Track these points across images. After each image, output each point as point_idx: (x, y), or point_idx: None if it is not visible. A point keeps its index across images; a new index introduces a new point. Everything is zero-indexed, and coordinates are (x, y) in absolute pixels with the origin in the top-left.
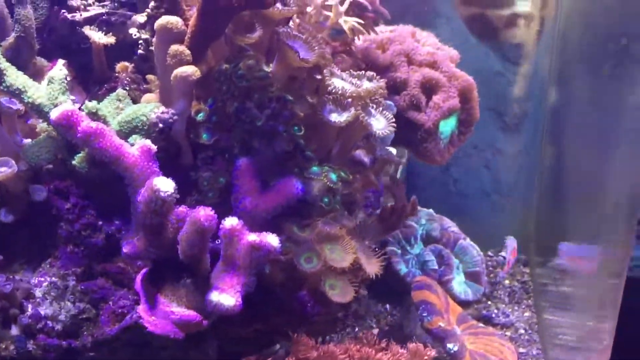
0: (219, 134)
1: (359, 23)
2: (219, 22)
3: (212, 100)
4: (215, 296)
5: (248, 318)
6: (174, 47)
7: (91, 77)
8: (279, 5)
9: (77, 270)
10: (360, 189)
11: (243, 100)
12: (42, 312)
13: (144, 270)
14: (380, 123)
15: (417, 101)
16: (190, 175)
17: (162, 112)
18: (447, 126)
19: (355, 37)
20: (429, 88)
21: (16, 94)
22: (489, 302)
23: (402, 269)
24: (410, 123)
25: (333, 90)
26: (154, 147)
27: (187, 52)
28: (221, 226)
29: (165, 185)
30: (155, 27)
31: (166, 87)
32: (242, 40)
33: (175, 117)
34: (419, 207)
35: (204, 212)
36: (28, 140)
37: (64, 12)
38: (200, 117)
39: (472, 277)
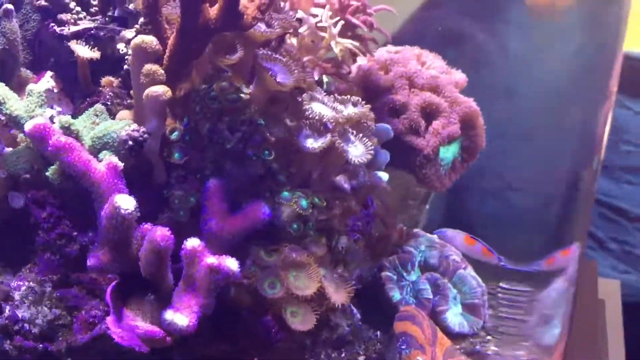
0: (191, 154)
1: (355, 45)
2: (197, 42)
3: (187, 120)
4: (169, 315)
5: (214, 338)
6: (148, 67)
7: (76, 90)
8: (262, 26)
9: (54, 278)
10: (339, 216)
11: (215, 122)
12: (20, 315)
13: (113, 283)
14: (358, 150)
15: (417, 125)
16: (163, 193)
17: (133, 130)
18: (449, 152)
19: (348, 59)
20: (429, 113)
21: None
22: (489, 337)
23: (396, 295)
24: (409, 147)
25: (310, 115)
26: (121, 165)
27: (161, 71)
28: (183, 246)
29: (126, 203)
30: (130, 45)
31: (140, 105)
32: (221, 61)
33: (145, 136)
34: (422, 232)
35: (160, 232)
36: (9, 149)
37: (52, 26)
38: (174, 136)
39: (470, 309)
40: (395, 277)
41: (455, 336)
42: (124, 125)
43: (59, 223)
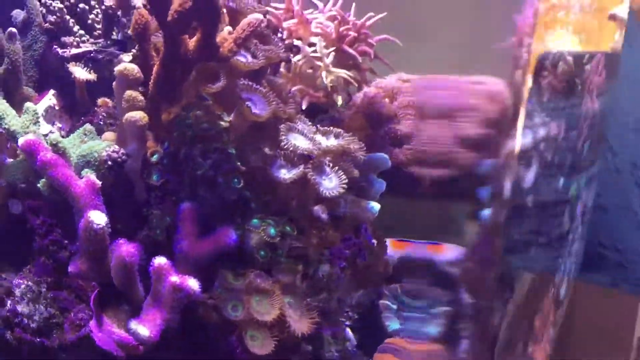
0: (169, 177)
1: (349, 75)
2: (179, 70)
3: (167, 144)
4: (134, 325)
5: (183, 351)
6: (128, 93)
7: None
8: (248, 56)
9: (48, 280)
10: (316, 245)
11: (190, 148)
12: (20, 309)
13: (95, 291)
14: (332, 183)
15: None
16: (143, 211)
17: (113, 151)
18: None
19: (343, 88)
20: None
21: None
22: None
23: (392, 325)
24: (412, 177)
25: (285, 146)
26: (98, 182)
27: (140, 98)
28: (151, 263)
29: (98, 218)
30: (114, 72)
31: (122, 128)
32: (203, 89)
33: (124, 157)
34: None
35: (126, 248)
36: (10, 160)
37: (55, 48)
38: (154, 158)
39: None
40: (395, 306)
41: None
42: (105, 146)
43: (51, 231)
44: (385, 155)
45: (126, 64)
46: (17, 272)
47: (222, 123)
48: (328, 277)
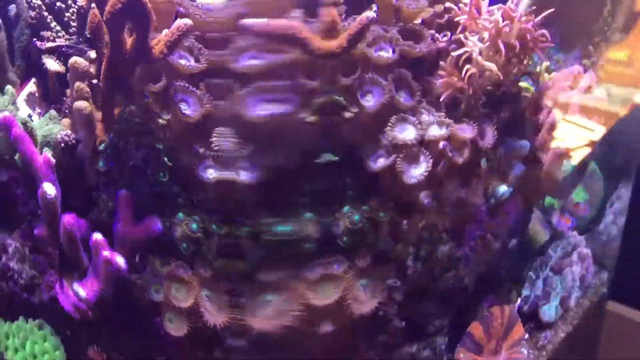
0: (112, 165)
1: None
2: (122, 68)
3: (112, 135)
4: (76, 287)
5: (122, 325)
6: (77, 84)
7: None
8: (190, 60)
9: (29, 244)
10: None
11: (126, 141)
12: (11, 265)
13: (57, 260)
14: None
15: (545, 143)
16: (92, 194)
17: (65, 135)
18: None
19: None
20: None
21: None
22: None
23: (525, 292)
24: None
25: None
26: (53, 160)
27: (87, 89)
28: (90, 237)
29: (50, 189)
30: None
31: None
32: (145, 88)
33: (74, 141)
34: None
35: (67, 218)
36: None
37: (35, 41)
38: (101, 147)
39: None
40: (534, 276)
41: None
42: (60, 129)
43: (27, 202)
44: (526, 142)
45: (76, 57)
46: (8, 232)
47: (159, 120)
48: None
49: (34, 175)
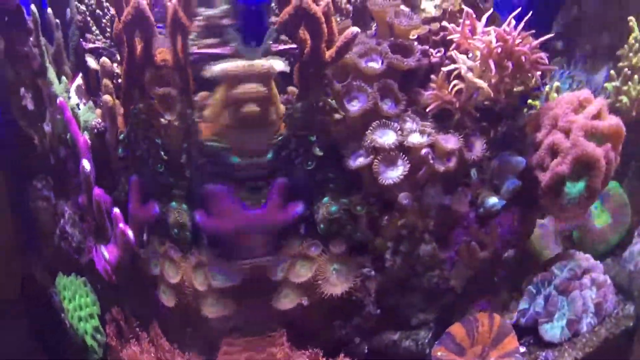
0: (127, 153)
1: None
2: (136, 72)
3: (129, 127)
4: (102, 249)
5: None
6: (105, 81)
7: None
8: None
9: (79, 213)
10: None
11: (135, 133)
12: (67, 229)
13: (93, 227)
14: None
15: (542, 162)
16: (115, 177)
17: (97, 122)
18: (574, 189)
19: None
20: (555, 151)
21: (50, 84)
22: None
23: (522, 305)
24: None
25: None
26: (89, 141)
27: (111, 85)
28: (112, 212)
29: (87, 165)
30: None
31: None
32: (151, 91)
33: (102, 129)
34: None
35: (97, 190)
36: (58, 116)
37: (81, 41)
38: (121, 136)
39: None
40: (535, 290)
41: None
42: (94, 117)
43: (77, 174)
44: (522, 158)
45: (105, 58)
46: (65, 200)
47: (161, 120)
48: (431, 257)
49: (78, 153)
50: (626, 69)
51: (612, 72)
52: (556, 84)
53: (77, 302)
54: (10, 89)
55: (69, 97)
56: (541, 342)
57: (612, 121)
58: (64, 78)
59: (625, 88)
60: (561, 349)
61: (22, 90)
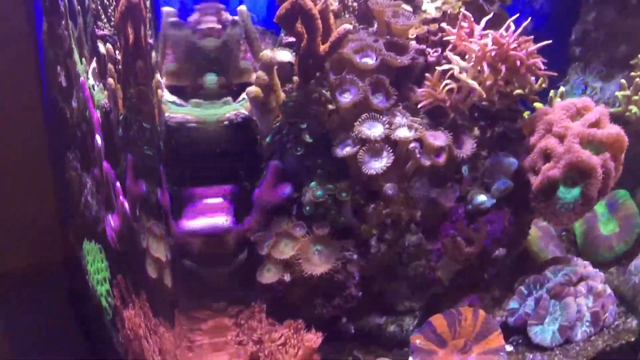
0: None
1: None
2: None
3: (125, 110)
4: (109, 217)
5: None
6: (109, 65)
7: None
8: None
9: (95, 183)
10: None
11: (131, 117)
12: (88, 198)
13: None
14: (379, 164)
15: (534, 165)
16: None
17: (105, 102)
18: (569, 194)
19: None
20: (547, 156)
21: (75, 64)
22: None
23: (512, 304)
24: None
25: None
26: (100, 119)
27: (113, 70)
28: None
29: (99, 140)
30: None
31: None
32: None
33: (108, 109)
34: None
35: (104, 163)
36: None
37: (95, 28)
38: (120, 117)
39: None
40: (526, 292)
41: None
42: (103, 98)
43: (94, 148)
44: (514, 160)
45: (109, 45)
46: (87, 172)
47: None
48: (416, 247)
49: (93, 129)
50: (638, 79)
51: (622, 81)
52: (561, 89)
53: (96, 266)
54: (50, 67)
55: (88, 78)
56: (530, 343)
57: (611, 130)
58: (83, 59)
59: (635, 98)
60: (551, 353)
61: (58, 68)
